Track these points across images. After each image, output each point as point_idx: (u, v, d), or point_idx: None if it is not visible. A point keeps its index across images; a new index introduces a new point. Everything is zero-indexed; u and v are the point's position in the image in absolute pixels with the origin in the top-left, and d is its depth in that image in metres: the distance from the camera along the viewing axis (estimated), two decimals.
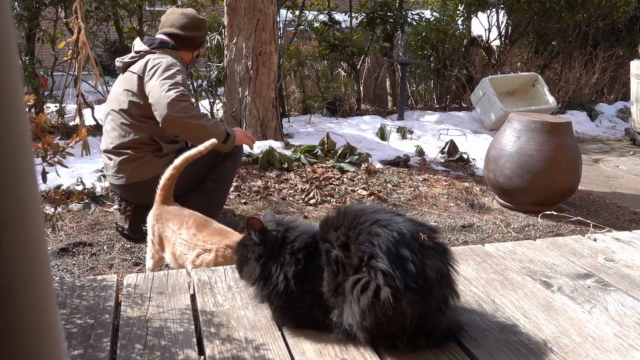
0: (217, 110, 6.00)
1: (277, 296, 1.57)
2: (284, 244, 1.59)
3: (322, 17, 7.31)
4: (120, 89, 2.73)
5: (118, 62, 2.84)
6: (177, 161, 2.22)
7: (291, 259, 1.56)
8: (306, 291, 1.56)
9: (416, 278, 1.42)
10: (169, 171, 2.23)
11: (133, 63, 2.76)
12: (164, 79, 2.55)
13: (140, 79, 2.65)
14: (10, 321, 0.37)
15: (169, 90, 2.51)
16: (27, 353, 0.39)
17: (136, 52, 2.80)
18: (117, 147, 2.67)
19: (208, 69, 5.49)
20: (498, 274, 2.08)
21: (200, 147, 2.20)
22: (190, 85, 5.47)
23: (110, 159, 2.71)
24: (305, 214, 3.24)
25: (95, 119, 5.89)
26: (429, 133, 5.42)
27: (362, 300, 1.42)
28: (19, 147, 0.36)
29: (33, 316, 0.39)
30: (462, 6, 7.21)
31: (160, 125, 2.54)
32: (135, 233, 2.80)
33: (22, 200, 0.37)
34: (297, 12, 6.92)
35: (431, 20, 7.21)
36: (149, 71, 2.61)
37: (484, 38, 7.53)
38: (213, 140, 2.20)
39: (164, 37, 2.84)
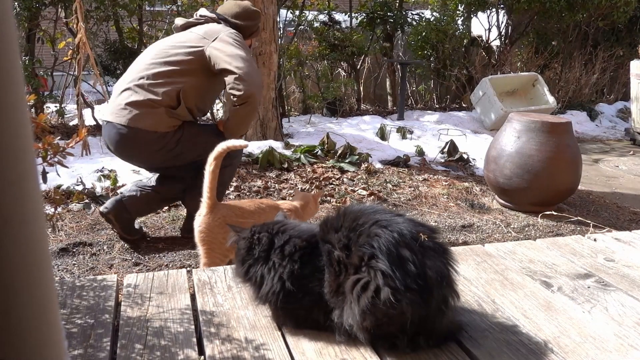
0: (217, 110, 6.01)
1: (274, 297, 1.59)
2: (271, 249, 1.61)
3: (322, 17, 7.31)
4: (172, 43, 2.67)
5: (179, 20, 2.83)
6: (213, 160, 2.15)
7: (282, 262, 1.58)
8: (304, 292, 1.57)
9: (416, 278, 1.43)
10: (211, 173, 2.16)
11: (196, 25, 2.74)
12: (250, 57, 2.59)
13: (202, 40, 2.61)
14: (13, 319, 0.37)
15: (258, 73, 2.59)
16: (29, 350, 0.39)
17: (201, 16, 2.79)
18: (140, 87, 2.56)
19: None
20: (498, 274, 2.08)
21: (229, 144, 2.16)
22: None
23: (121, 95, 2.59)
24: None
25: (95, 119, 5.89)
26: (429, 133, 5.42)
27: (362, 300, 1.42)
28: (21, 146, 0.36)
29: (35, 314, 0.39)
30: (462, 6, 7.21)
31: (236, 95, 2.51)
32: (132, 233, 2.79)
33: (24, 199, 0.37)
34: (297, 12, 6.92)
35: (431, 20, 7.21)
36: (224, 36, 2.59)
37: (484, 38, 7.53)
38: (245, 143, 2.20)
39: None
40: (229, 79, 2.52)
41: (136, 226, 2.80)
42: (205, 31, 2.65)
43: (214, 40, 2.59)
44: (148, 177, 2.89)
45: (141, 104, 2.52)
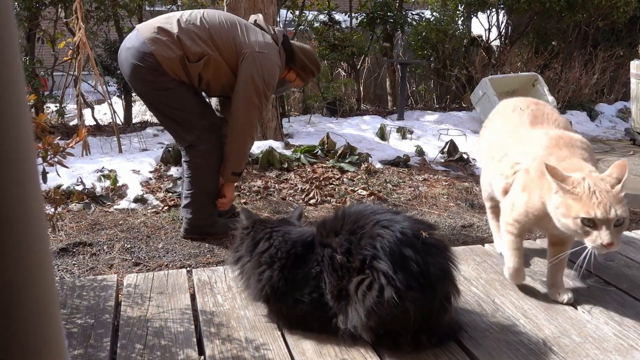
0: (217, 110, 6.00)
1: (261, 299, 1.65)
2: (253, 250, 1.67)
3: (322, 17, 7.31)
4: (228, 18, 2.68)
5: (259, 17, 2.82)
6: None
7: (259, 268, 1.63)
8: (294, 300, 1.59)
9: (419, 277, 1.43)
10: None
11: (264, 31, 2.73)
12: (260, 95, 2.58)
13: (252, 44, 2.59)
14: (15, 317, 0.37)
15: (253, 112, 2.60)
16: (32, 348, 0.39)
17: (257, 24, 2.76)
18: (182, 26, 2.53)
19: None
20: (498, 274, 2.08)
21: None
22: None
23: (164, 21, 2.57)
24: (305, 214, 3.24)
25: (95, 119, 5.89)
26: (429, 133, 5.42)
27: (367, 300, 1.43)
28: (22, 146, 0.37)
29: (37, 313, 0.39)
30: (462, 6, 7.21)
31: (229, 116, 2.64)
32: (222, 226, 2.77)
33: (26, 199, 0.37)
34: (297, 12, 6.92)
35: (431, 20, 7.21)
36: (256, 58, 2.56)
37: (484, 38, 7.52)
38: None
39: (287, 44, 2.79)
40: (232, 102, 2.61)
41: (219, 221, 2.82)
42: (252, 40, 2.62)
43: (255, 52, 2.57)
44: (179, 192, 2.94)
45: (169, 34, 2.51)
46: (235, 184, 3.46)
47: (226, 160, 2.68)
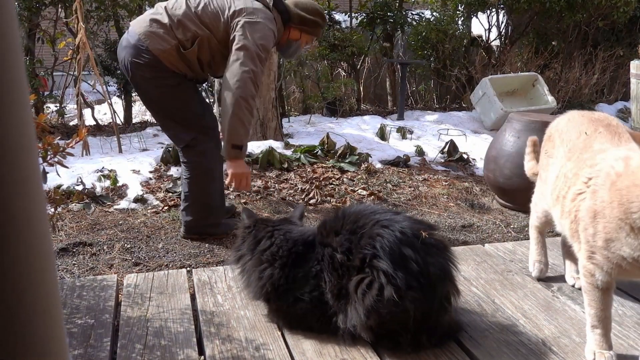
0: (217, 110, 6.01)
1: (262, 297, 1.66)
2: (255, 249, 1.69)
3: None
4: None
5: None
6: None
7: (259, 266, 1.65)
8: (295, 298, 1.60)
9: (419, 276, 1.44)
10: None
11: None
12: (253, 58, 2.49)
13: (231, 12, 2.55)
14: (18, 317, 0.37)
15: (245, 75, 2.47)
16: (34, 347, 0.39)
17: None
18: (170, 14, 2.53)
19: None
20: (498, 274, 2.08)
21: None
22: None
23: (153, 13, 2.59)
24: (305, 213, 3.24)
25: (95, 119, 5.89)
26: (429, 133, 5.42)
27: (366, 298, 1.43)
28: (25, 146, 0.37)
29: (39, 312, 0.39)
30: (462, 6, 7.20)
31: (222, 86, 2.52)
32: (223, 226, 2.79)
33: (28, 198, 0.37)
34: None
35: (431, 20, 7.21)
36: (245, 25, 2.52)
37: (484, 38, 7.52)
38: None
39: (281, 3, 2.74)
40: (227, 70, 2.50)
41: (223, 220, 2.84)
42: (248, 8, 2.57)
43: (243, 21, 2.53)
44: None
45: (162, 25, 2.51)
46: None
47: (223, 132, 2.54)
